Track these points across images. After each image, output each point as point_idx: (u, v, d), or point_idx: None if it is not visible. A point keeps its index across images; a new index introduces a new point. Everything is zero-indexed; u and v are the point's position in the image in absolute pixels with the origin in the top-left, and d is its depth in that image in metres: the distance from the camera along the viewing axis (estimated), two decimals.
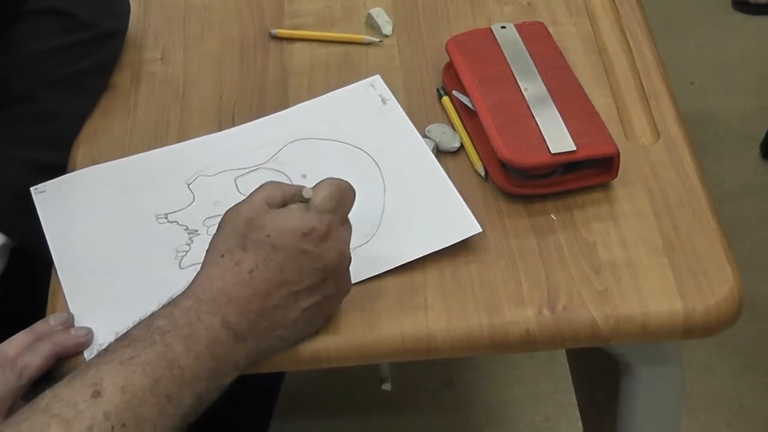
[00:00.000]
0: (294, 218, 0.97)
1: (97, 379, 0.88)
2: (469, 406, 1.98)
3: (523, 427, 1.96)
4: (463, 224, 1.10)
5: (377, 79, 1.26)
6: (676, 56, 2.46)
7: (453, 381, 2.00)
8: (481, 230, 1.09)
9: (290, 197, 1.00)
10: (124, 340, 0.92)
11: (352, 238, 1.02)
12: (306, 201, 0.97)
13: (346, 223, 1.01)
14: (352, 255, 1.02)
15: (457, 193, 1.13)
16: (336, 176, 1.01)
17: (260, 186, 1.01)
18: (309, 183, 1.01)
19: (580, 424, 1.72)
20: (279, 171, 1.17)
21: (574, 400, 1.75)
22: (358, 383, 1.49)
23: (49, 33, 1.25)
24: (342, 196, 1.00)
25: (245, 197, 1.01)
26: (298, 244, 0.96)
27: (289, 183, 1.03)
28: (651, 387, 1.16)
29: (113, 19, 1.30)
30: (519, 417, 1.98)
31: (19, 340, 1.02)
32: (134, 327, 0.93)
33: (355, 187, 1.02)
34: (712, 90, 2.49)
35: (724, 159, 2.33)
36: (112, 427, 0.86)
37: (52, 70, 1.24)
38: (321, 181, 1.00)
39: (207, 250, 0.99)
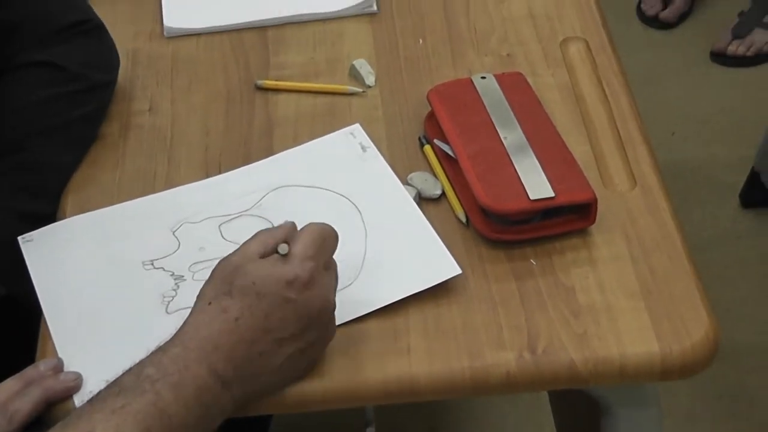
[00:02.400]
0: (278, 266, 0.98)
1: (89, 429, 0.88)
2: None
3: None
4: (443, 266, 1.11)
5: (357, 127, 1.27)
6: (657, 107, 2.48)
7: (437, 428, 1.99)
8: (460, 272, 1.10)
9: (276, 244, 1.00)
10: (114, 387, 0.92)
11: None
12: (283, 256, 0.98)
13: (330, 268, 1.02)
14: (336, 299, 1.02)
15: (437, 236, 1.14)
16: (318, 222, 1.02)
17: (253, 236, 1.02)
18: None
19: None
20: (262, 217, 1.18)
21: None
22: (342, 427, 1.48)
23: (39, 84, 1.25)
24: (323, 241, 1.01)
25: (238, 247, 1.01)
26: (282, 292, 0.97)
27: (277, 227, 1.04)
28: (630, 429, 1.16)
29: (103, 71, 1.31)
30: None
31: (10, 385, 1.02)
32: (124, 375, 0.93)
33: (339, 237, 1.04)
34: (692, 140, 2.50)
35: (704, 208, 2.34)
36: None
37: (42, 121, 1.24)
38: (302, 228, 1.01)
39: (197, 297, 1.00)
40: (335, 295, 1.02)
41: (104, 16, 1.34)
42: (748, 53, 2.66)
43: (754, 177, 2.34)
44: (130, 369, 0.94)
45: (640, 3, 2.80)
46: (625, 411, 1.15)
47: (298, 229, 1.03)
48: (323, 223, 1.03)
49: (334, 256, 1.04)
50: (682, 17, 2.79)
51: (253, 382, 0.98)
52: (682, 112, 2.58)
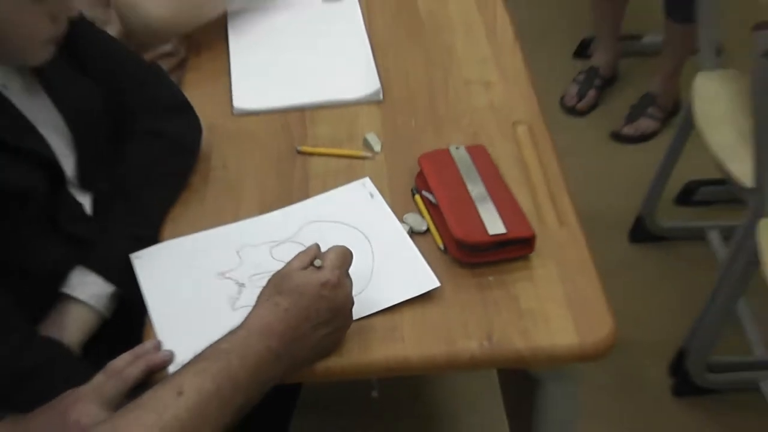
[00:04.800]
0: (315, 274, 0.99)
1: (180, 383, 0.89)
2: (433, 409, 1.96)
3: (462, 426, 1.95)
4: (427, 280, 1.11)
5: (367, 180, 1.27)
6: (572, 172, 2.46)
7: (420, 395, 1.99)
8: (439, 284, 1.10)
9: (313, 258, 1.02)
10: (198, 357, 0.93)
11: (353, 289, 1.03)
12: (318, 267, 1.00)
13: (348, 276, 1.03)
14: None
15: (423, 259, 1.14)
16: (340, 245, 1.04)
17: (294, 257, 1.03)
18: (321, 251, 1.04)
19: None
20: (300, 243, 1.17)
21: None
22: (354, 391, 1.46)
23: (149, 147, 1.26)
24: (345, 256, 1.02)
25: (283, 263, 1.02)
26: (318, 291, 0.98)
27: (307, 248, 1.05)
28: (557, 398, 1.16)
29: (191, 138, 1.31)
30: (461, 419, 1.97)
31: (125, 357, 1.03)
32: (205, 349, 0.94)
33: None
34: (595, 193, 2.44)
35: (603, 243, 2.29)
36: (189, 417, 0.87)
37: (151, 172, 1.25)
38: (329, 248, 1.03)
39: (257, 298, 1.00)
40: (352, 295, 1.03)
41: (192, 99, 1.34)
42: (636, 134, 2.67)
43: (639, 220, 2.35)
44: (210, 345, 0.94)
45: (562, 97, 2.81)
46: (553, 384, 1.14)
47: (323, 250, 1.04)
48: (343, 246, 1.04)
49: (352, 272, 1.04)
50: (591, 108, 2.80)
51: (296, 356, 0.98)
52: (589, 172, 2.55)
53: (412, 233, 1.19)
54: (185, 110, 1.32)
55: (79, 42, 1.21)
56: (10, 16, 1.03)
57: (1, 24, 1.04)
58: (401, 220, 1.21)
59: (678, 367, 1.99)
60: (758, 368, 1.97)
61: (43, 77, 1.17)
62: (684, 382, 1.97)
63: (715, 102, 1.96)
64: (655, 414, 1.96)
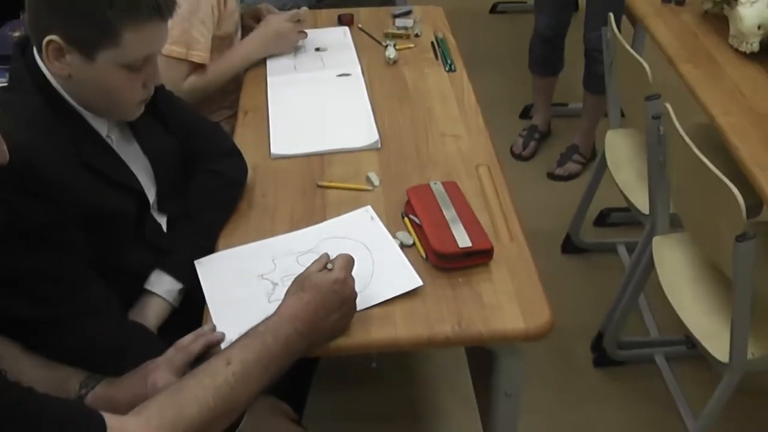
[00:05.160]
0: (328, 274, 0.98)
1: (228, 356, 0.88)
2: (418, 377, 1.94)
3: (439, 389, 1.92)
4: (413, 280, 1.10)
5: (369, 207, 1.26)
6: (519, 201, 2.45)
7: (410, 366, 1.96)
8: (422, 284, 1.09)
9: (326, 263, 1.01)
10: (243, 336, 0.92)
11: (356, 287, 1.02)
12: (330, 270, 0.99)
13: (351, 276, 1.02)
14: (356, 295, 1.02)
15: (410, 264, 1.13)
16: (346, 253, 1.03)
17: (312, 262, 1.02)
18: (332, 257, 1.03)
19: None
20: (317, 253, 1.15)
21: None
22: (358, 363, 1.44)
23: (209, 182, 1.25)
24: (349, 261, 1.02)
25: (305, 268, 1.01)
26: (330, 287, 0.97)
27: (320, 256, 1.04)
28: (509, 368, 1.15)
29: (240, 176, 1.30)
30: (438, 383, 1.94)
31: (188, 337, 1.02)
32: (248, 330, 0.93)
33: (356, 261, 1.04)
34: (535, 218, 2.43)
35: (542, 254, 2.29)
36: (235, 381, 0.86)
37: (210, 200, 1.24)
38: (337, 255, 1.02)
39: (285, 293, 0.99)
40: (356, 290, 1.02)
41: (241, 146, 1.33)
42: (565, 174, 2.66)
43: (568, 237, 2.34)
44: (251, 328, 0.93)
45: (512, 147, 2.80)
46: (506, 357, 1.13)
47: (332, 257, 1.03)
48: (348, 253, 1.03)
49: (357, 274, 1.03)
50: (533, 155, 2.79)
51: (315, 335, 0.97)
52: (531, 202, 2.54)
53: (402, 246, 1.18)
54: (236, 155, 1.31)
55: (160, 103, 1.20)
56: (119, 84, 1.04)
57: (113, 88, 1.04)
58: (394, 236, 1.20)
59: (597, 345, 1.98)
60: (653, 346, 1.96)
61: (135, 129, 1.17)
62: (601, 356, 1.96)
63: (620, 151, 1.98)
64: (581, 380, 1.94)
